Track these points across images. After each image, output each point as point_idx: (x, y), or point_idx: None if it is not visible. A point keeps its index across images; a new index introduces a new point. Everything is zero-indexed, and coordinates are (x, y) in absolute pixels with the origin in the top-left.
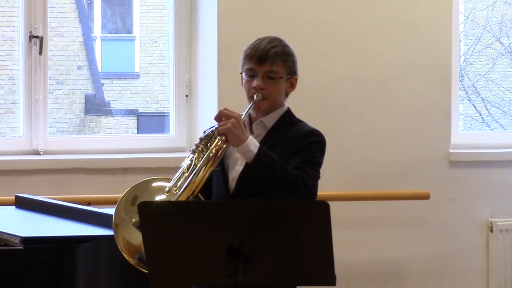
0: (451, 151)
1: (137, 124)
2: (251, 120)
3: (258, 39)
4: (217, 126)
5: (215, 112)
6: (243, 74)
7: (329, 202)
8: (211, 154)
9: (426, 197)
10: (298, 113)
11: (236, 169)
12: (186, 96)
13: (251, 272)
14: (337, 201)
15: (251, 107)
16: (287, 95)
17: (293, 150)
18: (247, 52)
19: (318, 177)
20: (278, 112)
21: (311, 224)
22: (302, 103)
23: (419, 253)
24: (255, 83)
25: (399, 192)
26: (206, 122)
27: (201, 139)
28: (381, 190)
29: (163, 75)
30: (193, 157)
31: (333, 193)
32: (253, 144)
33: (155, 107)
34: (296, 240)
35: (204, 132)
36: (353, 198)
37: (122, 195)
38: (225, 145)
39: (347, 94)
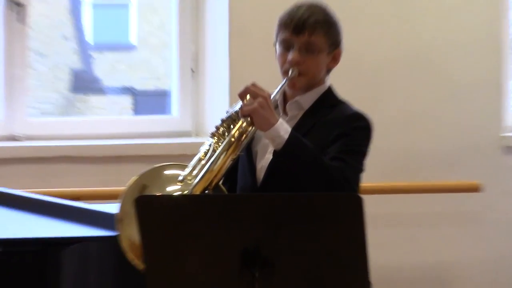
0: (504, 135)
1: (134, 104)
2: (285, 99)
3: (296, 4)
4: (241, 105)
5: (225, 90)
6: (277, 45)
7: (363, 196)
8: (232, 139)
9: (476, 189)
10: None
11: (266, 158)
12: (192, 71)
13: (270, 279)
14: (373, 194)
15: (285, 84)
16: (328, 71)
17: (333, 137)
18: (282, 20)
19: (361, 170)
20: (317, 90)
21: (341, 222)
22: (331, 81)
23: (472, 256)
24: (290, 56)
25: (445, 183)
26: (215, 102)
27: (222, 121)
28: (424, 181)
29: (164, 47)
30: (212, 141)
31: (367, 184)
32: (283, 128)
33: (155, 84)
34: (323, 242)
35: (227, 112)
36: (391, 191)
37: (128, 185)
38: (250, 128)
39: (384, 69)
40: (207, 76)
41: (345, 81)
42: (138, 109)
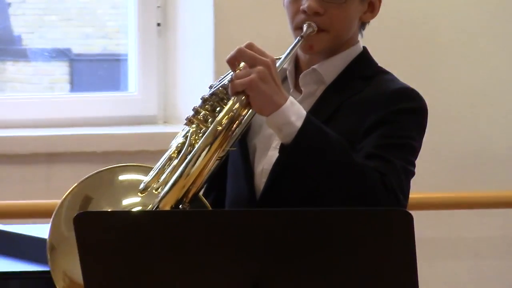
0: None
1: (70, 75)
2: (298, 68)
3: None
4: (232, 77)
5: (208, 54)
6: None
7: (414, 212)
8: (219, 127)
9: None
10: None
11: (268, 156)
12: (158, 24)
13: None
14: (427, 210)
15: (298, 46)
16: (363, 25)
17: (369, 124)
18: None
19: (410, 172)
20: (345, 55)
21: (384, 248)
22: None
23: None
24: (306, 2)
25: None
26: (193, 72)
27: (204, 100)
28: (495, 190)
29: None
30: (188, 131)
31: (420, 195)
32: (294, 111)
33: (102, 44)
34: (360, 275)
35: (211, 87)
36: (452, 206)
37: (63, 197)
38: (246, 112)
39: (442, 17)
40: (179, 34)
41: (385, 44)
42: (77, 83)
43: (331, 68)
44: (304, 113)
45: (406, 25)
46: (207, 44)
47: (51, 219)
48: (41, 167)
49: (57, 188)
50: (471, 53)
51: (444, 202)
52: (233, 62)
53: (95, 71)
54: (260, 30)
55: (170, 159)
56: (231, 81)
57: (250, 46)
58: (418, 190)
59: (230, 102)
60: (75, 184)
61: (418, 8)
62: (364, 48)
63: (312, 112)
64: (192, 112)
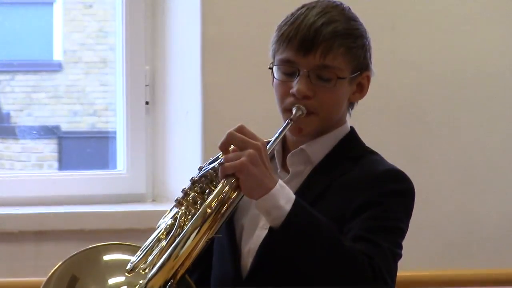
0: None
1: (59, 153)
2: (285, 147)
3: (303, 5)
4: (222, 160)
5: (197, 133)
6: (275, 69)
7: None
8: (208, 210)
9: None
10: None
11: (255, 236)
12: (147, 103)
13: None
14: None
15: (287, 129)
16: (351, 105)
17: (357, 206)
18: (283, 30)
19: (398, 255)
20: (333, 135)
21: None
22: (354, 113)
23: None
24: (295, 86)
25: None
26: (182, 151)
27: (193, 182)
28: (484, 269)
29: (104, 66)
30: (177, 212)
31: (408, 273)
32: (284, 195)
33: (91, 122)
34: None
35: (200, 169)
36: (441, 284)
37: (49, 275)
38: (235, 195)
39: (431, 96)
40: (168, 112)
41: (372, 119)
42: (65, 161)
43: (319, 149)
44: (293, 196)
45: (395, 103)
46: (196, 121)
47: None
48: (29, 245)
49: (45, 266)
50: (459, 131)
51: (433, 280)
52: (225, 147)
53: (83, 148)
54: (249, 107)
55: (159, 240)
56: (221, 164)
57: (240, 129)
58: (406, 268)
59: (220, 185)
60: (61, 262)
61: (406, 85)
62: (352, 128)
63: (300, 192)
64: (181, 194)
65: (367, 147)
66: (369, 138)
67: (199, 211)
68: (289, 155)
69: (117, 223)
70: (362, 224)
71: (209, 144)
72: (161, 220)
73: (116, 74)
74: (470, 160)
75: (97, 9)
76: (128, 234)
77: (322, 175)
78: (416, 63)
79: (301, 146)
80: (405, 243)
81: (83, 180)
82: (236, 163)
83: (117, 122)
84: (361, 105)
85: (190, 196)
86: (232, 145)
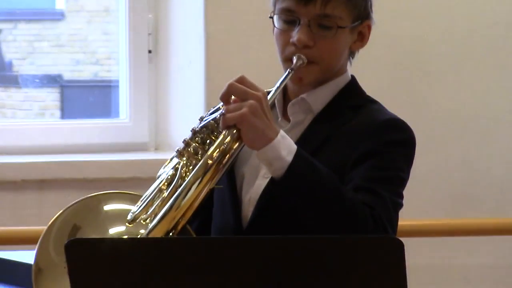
0: None
1: (61, 102)
2: (286, 96)
3: None
4: (223, 111)
5: (200, 82)
6: (275, 18)
7: (406, 239)
8: (210, 161)
9: None
10: None
11: (256, 185)
12: (149, 52)
13: None
14: (420, 236)
15: (288, 78)
16: (351, 54)
17: (358, 155)
18: None
19: (399, 205)
20: (333, 85)
21: (375, 275)
22: (357, 63)
23: None
24: (296, 35)
25: None
26: (184, 100)
27: (195, 133)
28: (486, 218)
29: (106, 15)
30: (178, 163)
31: (411, 222)
32: (285, 145)
33: (93, 71)
34: None
35: (201, 119)
36: (447, 233)
37: (50, 222)
38: (236, 145)
39: (434, 46)
40: (171, 61)
41: (375, 69)
42: (68, 109)
43: (319, 98)
44: (294, 147)
45: (395, 51)
46: (198, 71)
47: (38, 243)
48: (32, 193)
49: (48, 215)
50: (462, 79)
51: (435, 229)
52: (226, 98)
53: (86, 97)
54: (251, 56)
55: (160, 190)
56: (222, 114)
57: (241, 80)
58: (408, 217)
59: (221, 136)
60: (61, 211)
61: (410, 35)
62: (352, 77)
63: (300, 142)
64: (182, 145)
65: (368, 96)
66: (372, 88)
67: (201, 162)
68: (289, 104)
69: (119, 171)
70: (363, 174)
71: (212, 93)
72: (161, 170)
73: (118, 23)
74: (474, 110)
75: None
76: (130, 183)
77: (322, 125)
78: (421, 13)
79: (302, 95)
80: (407, 192)
81: (86, 129)
82: (237, 114)
83: (120, 71)
84: (364, 55)
85: (191, 147)
86: (233, 96)
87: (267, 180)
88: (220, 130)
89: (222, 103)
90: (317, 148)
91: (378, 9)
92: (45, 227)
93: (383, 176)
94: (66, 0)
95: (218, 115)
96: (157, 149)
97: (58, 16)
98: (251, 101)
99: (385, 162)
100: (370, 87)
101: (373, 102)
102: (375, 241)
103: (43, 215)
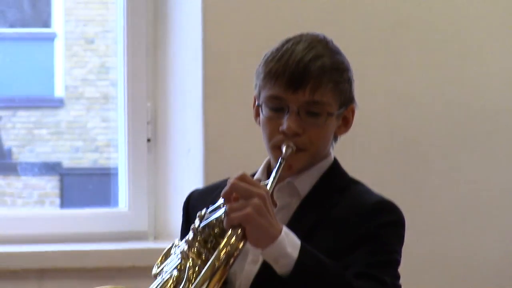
0: None
1: (61, 190)
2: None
3: (288, 39)
4: (226, 209)
5: (199, 170)
6: (262, 105)
7: None
8: (217, 263)
9: None
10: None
11: (245, 271)
12: (148, 140)
13: None
14: None
15: (281, 168)
16: (335, 138)
17: (353, 240)
18: (270, 66)
19: (398, 287)
20: (319, 167)
21: None
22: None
23: None
24: (285, 123)
25: None
26: (184, 188)
27: (195, 232)
28: None
29: (106, 102)
30: (181, 264)
31: None
32: (289, 241)
33: (93, 158)
34: None
35: (202, 217)
36: None
37: None
38: (241, 245)
39: (431, 133)
40: (170, 149)
41: (373, 156)
42: (67, 198)
43: (306, 181)
44: (298, 242)
45: (395, 140)
46: (197, 160)
47: None
48: (31, 283)
49: None
50: (460, 168)
51: None
52: (228, 197)
53: (85, 185)
54: (250, 144)
55: None
56: (226, 214)
57: (243, 178)
58: None
59: (227, 236)
60: None
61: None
62: (335, 159)
63: (290, 226)
64: (184, 245)
65: (351, 177)
66: (370, 176)
67: (208, 264)
68: (275, 189)
69: (119, 260)
70: (361, 260)
71: (211, 182)
72: (157, 268)
73: (118, 110)
74: (471, 198)
75: (99, 44)
76: (130, 272)
77: (311, 208)
78: (416, 99)
79: (288, 179)
80: (404, 278)
81: (85, 218)
82: (242, 214)
83: (119, 159)
84: (363, 142)
85: (194, 249)
86: (235, 193)
87: (257, 266)
88: (225, 229)
89: (223, 200)
90: (308, 233)
91: (377, 96)
92: None
93: (381, 261)
94: (65, 88)
95: (223, 213)
96: (156, 238)
97: (57, 103)
98: (255, 200)
99: (381, 246)
100: (369, 175)
101: (356, 183)
102: None
103: None
